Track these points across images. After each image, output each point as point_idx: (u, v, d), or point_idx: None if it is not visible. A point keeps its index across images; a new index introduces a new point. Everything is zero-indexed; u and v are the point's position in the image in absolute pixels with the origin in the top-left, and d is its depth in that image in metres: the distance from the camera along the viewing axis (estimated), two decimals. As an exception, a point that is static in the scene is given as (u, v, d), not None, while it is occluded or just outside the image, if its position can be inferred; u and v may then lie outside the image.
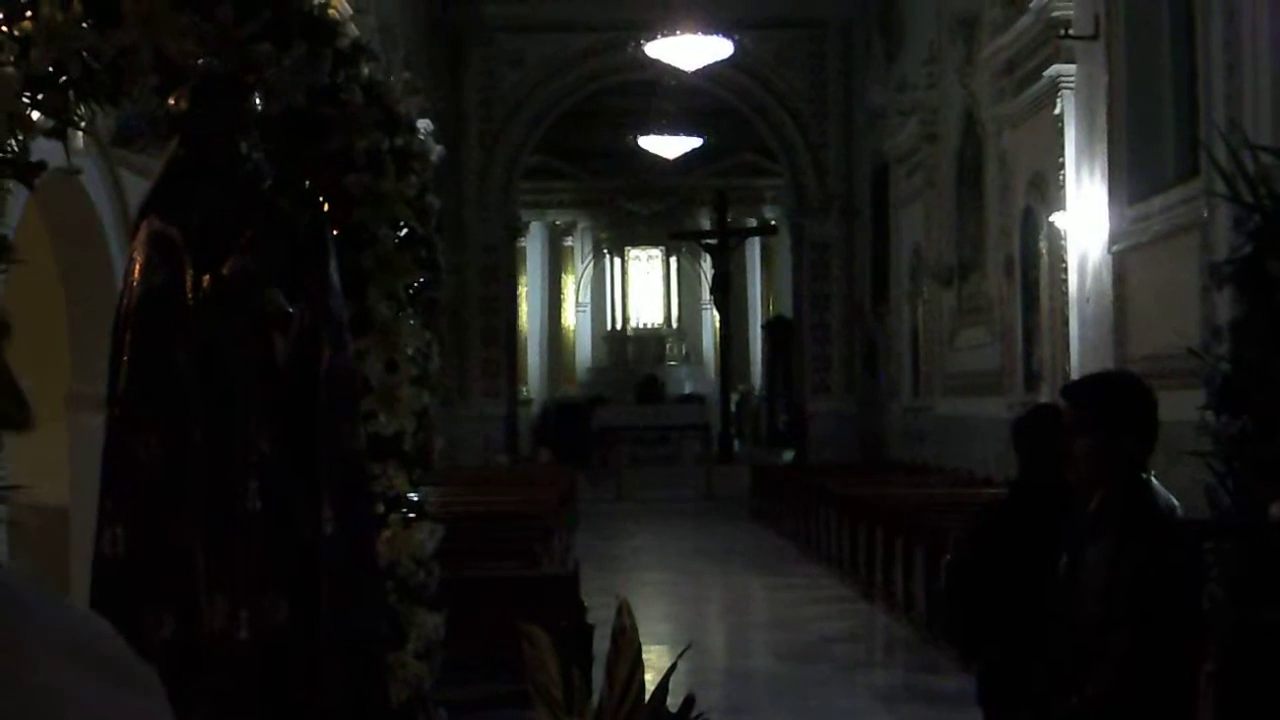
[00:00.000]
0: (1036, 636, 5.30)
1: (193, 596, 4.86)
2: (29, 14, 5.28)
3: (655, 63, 27.88)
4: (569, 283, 45.89)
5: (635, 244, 45.85)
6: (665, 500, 31.67)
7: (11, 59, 5.27)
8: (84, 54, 5.28)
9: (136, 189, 9.59)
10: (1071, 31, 16.93)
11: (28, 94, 5.34)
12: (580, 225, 45.89)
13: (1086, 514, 5.15)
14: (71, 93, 5.39)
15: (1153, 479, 5.06)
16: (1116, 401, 5.13)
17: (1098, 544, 4.96)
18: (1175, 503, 5.06)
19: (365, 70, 5.97)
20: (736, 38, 28.34)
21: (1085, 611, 4.93)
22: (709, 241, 39.58)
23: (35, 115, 5.38)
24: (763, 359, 42.54)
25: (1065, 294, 17.53)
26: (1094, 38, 16.31)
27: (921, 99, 25.80)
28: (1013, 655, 5.85)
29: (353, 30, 5.95)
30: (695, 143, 35.34)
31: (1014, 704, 5.75)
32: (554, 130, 35.06)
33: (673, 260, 45.86)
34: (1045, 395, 17.76)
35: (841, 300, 33.14)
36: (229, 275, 4.95)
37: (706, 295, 43.26)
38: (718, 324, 41.91)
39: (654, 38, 26.74)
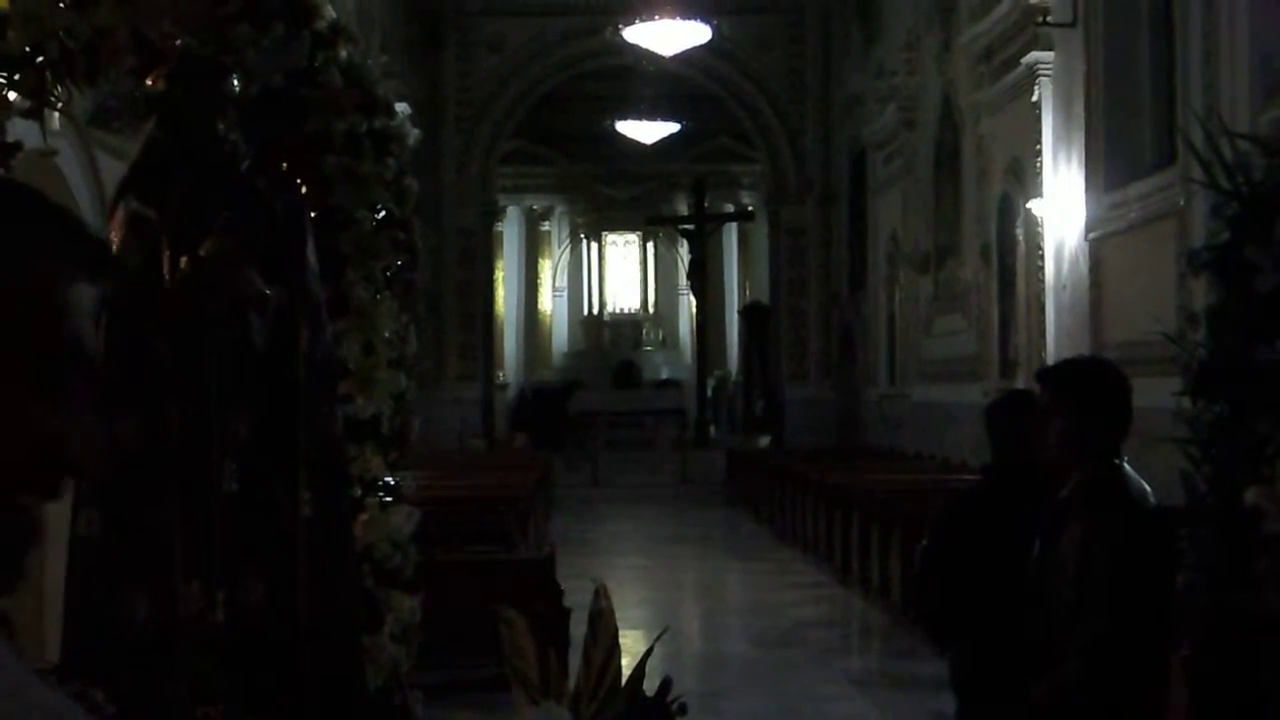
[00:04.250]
0: (1010, 621, 5.31)
1: (169, 578, 4.85)
2: (6, -6, 5.26)
3: (633, 47, 27.85)
4: (546, 267, 45.91)
5: (612, 229, 45.89)
6: (641, 485, 31.69)
7: (-12, 39, 5.25)
8: (61, 34, 5.26)
9: (113, 170, 9.56)
10: (1049, 19, 16.94)
11: (4, 74, 5.32)
12: (557, 210, 45.91)
13: (1059, 498, 5.16)
14: (48, 73, 5.37)
15: (1125, 464, 5.07)
16: (1090, 386, 5.15)
17: (1069, 528, 4.98)
18: (1147, 488, 5.07)
19: (343, 52, 5.95)
20: (714, 23, 28.32)
21: (1057, 596, 4.95)
22: (686, 227, 39.62)
23: (11, 96, 5.36)
24: (739, 344, 42.57)
25: (1042, 281, 17.54)
26: (1072, 25, 16.32)
27: (899, 85, 25.79)
28: (987, 640, 5.86)
29: (330, 13, 5.92)
30: (673, 128, 35.32)
31: (988, 689, 5.76)
32: (532, 115, 35.00)
33: (649, 245, 45.91)
34: (1021, 382, 17.79)
35: (818, 286, 33.14)
36: (206, 257, 4.94)
37: (683, 280, 43.29)
38: (694, 309, 41.93)
39: (632, 22, 26.71)
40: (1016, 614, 5.26)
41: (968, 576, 6.09)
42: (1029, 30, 17.68)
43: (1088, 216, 15.95)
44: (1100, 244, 15.76)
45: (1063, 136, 16.82)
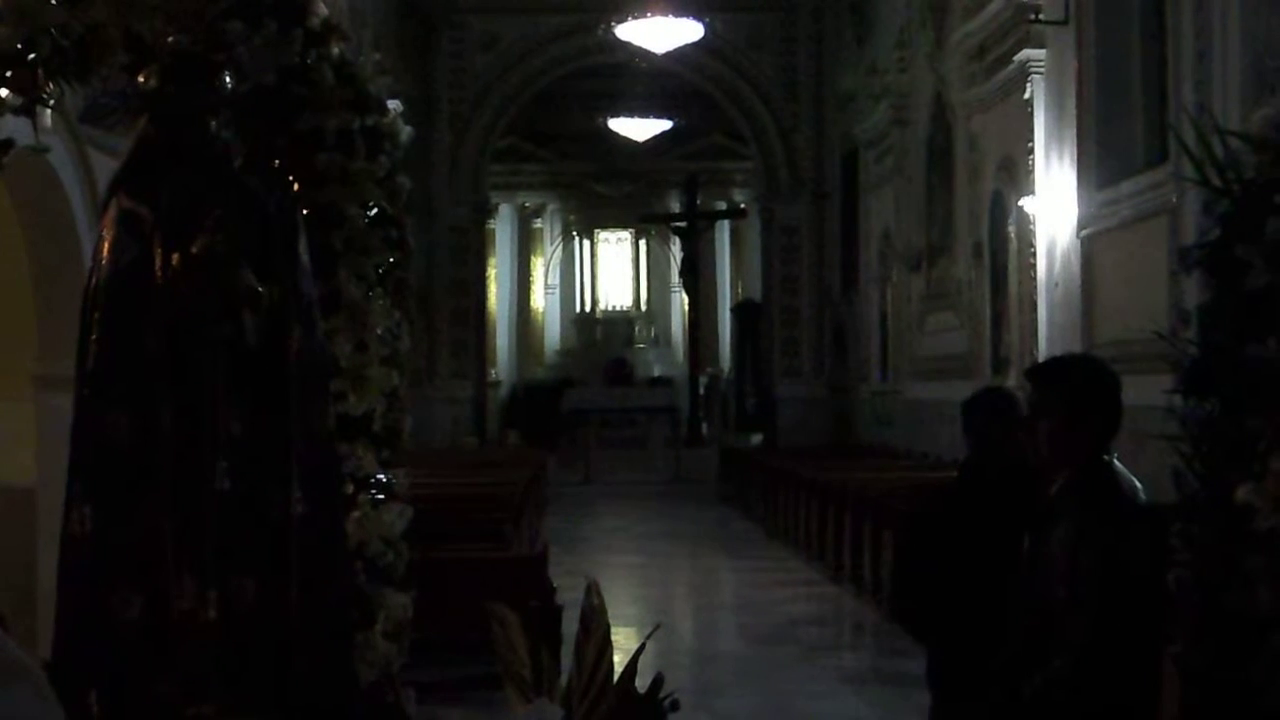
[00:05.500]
0: (995, 617, 5.32)
1: (161, 577, 4.84)
2: (-3, -9, 5.24)
3: (625, 45, 27.86)
4: (538, 265, 45.89)
5: (604, 226, 45.88)
6: (633, 483, 31.72)
7: (-20, 36, 5.24)
8: (53, 31, 5.25)
9: (105, 168, 9.55)
10: (1041, 16, 16.97)
11: (-5, 71, 5.31)
12: (550, 207, 45.89)
13: (1049, 496, 5.17)
14: (40, 70, 5.36)
15: (1115, 461, 5.08)
16: (1080, 383, 5.16)
17: (1060, 526, 4.98)
18: (1137, 485, 5.08)
19: (336, 50, 5.94)
20: (707, 20, 28.34)
21: (1048, 593, 4.95)
22: (678, 224, 39.62)
23: (3, 93, 5.35)
24: (731, 342, 42.59)
25: (1034, 278, 17.58)
26: (1064, 22, 16.35)
27: (891, 83, 25.82)
28: (964, 637, 5.87)
29: (323, 9, 5.91)
30: (665, 125, 35.34)
31: (965, 686, 5.76)
32: (524, 112, 35.02)
33: (642, 243, 45.91)
34: (1013, 380, 17.82)
35: (810, 284, 33.16)
36: (198, 254, 4.93)
37: (675, 278, 43.33)
38: (686, 307, 41.93)
39: (624, 20, 26.73)
40: (994, 610, 5.27)
41: (945, 573, 6.10)
42: (1021, 28, 17.71)
43: (1079, 214, 15.97)
44: (1092, 241, 15.78)
45: (1055, 134, 16.84)
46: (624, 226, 45.42)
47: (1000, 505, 5.93)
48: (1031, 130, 17.48)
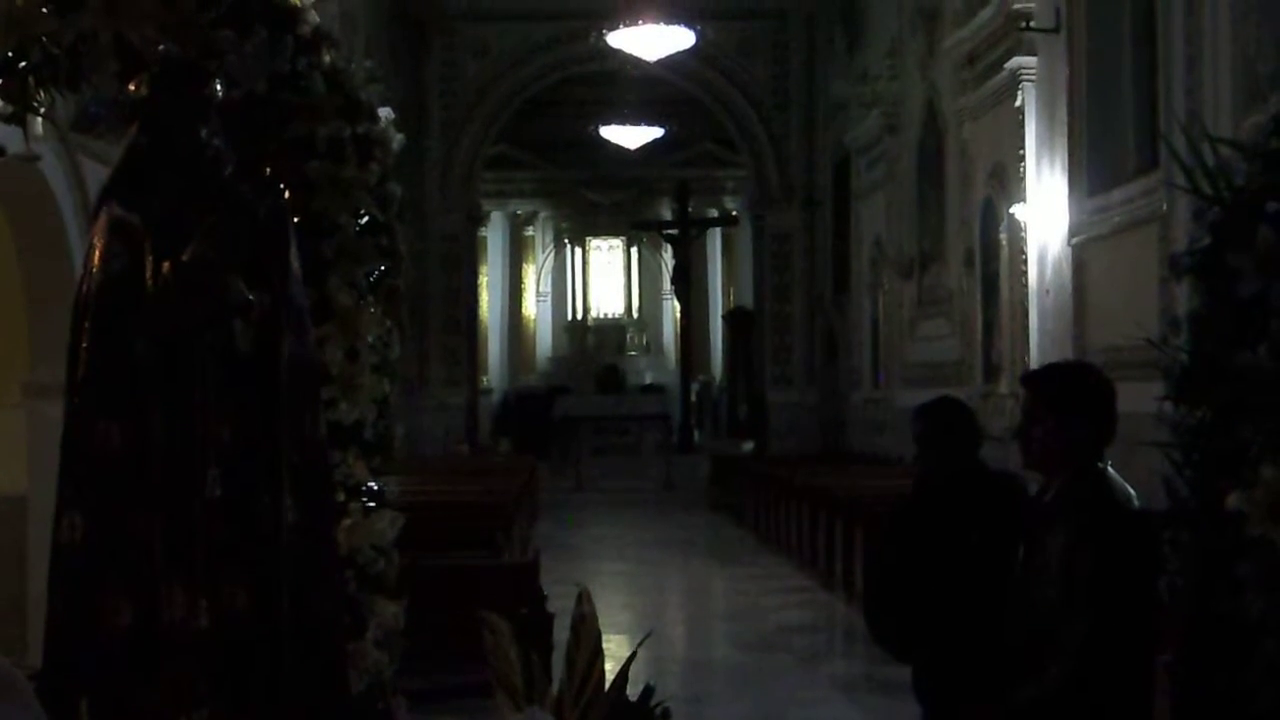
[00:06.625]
0: (981, 623, 5.32)
1: (152, 584, 4.84)
2: (-12, -1, 5.24)
3: (617, 53, 27.86)
4: (530, 272, 45.89)
5: (596, 234, 45.89)
6: (625, 490, 31.70)
7: (-30, 44, 5.23)
8: (44, 39, 5.25)
9: (96, 176, 9.55)
10: (1033, 24, 16.97)
11: (-14, 79, 5.31)
12: (541, 215, 45.90)
13: (1043, 502, 5.18)
14: (31, 78, 5.35)
15: (1109, 468, 5.09)
16: (1075, 390, 5.17)
17: (1054, 532, 4.99)
18: (1131, 492, 5.08)
19: (327, 57, 5.94)
20: (698, 28, 28.31)
21: (1042, 598, 4.96)
22: (670, 232, 39.64)
23: (-6, 101, 5.35)
24: (723, 349, 42.62)
25: (1025, 285, 17.57)
26: (1055, 30, 16.36)
27: (883, 91, 25.82)
28: (951, 645, 5.86)
29: (314, 17, 5.91)
30: (657, 133, 35.31)
31: (960, 694, 5.75)
32: (516, 120, 35.01)
33: (634, 250, 45.91)
34: (1005, 386, 17.84)
35: (802, 291, 33.15)
36: (189, 262, 4.92)
37: (667, 285, 43.33)
38: (678, 314, 41.96)
39: (616, 28, 26.71)
40: (989, 616, 5.27)
41: (925, 583, 6.09)
42: (1012, 35, 17.71)
43: (1071, 221, 15.98)
44: (1083, 249, 15.79)
45: (1046, 141, 16.85)
46: (616, 234, 45.44)
47: (951, 513, 5.96)
48: (1022, 137, 17.48)
